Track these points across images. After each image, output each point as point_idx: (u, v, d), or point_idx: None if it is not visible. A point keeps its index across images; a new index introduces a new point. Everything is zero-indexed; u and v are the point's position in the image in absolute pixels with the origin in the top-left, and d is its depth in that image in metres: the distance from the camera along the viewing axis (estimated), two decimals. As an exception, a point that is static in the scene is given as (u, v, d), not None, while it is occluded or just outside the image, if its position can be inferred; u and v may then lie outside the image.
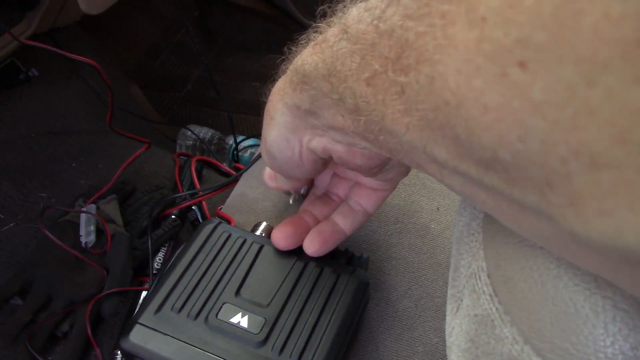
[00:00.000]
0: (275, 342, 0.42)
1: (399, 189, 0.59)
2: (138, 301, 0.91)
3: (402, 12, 0.22)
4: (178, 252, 0.49)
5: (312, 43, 0.33)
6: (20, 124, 1.03)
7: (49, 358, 0.85)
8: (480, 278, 0.24)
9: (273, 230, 0.50)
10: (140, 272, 0.91)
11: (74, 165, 1.08)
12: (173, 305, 0.45)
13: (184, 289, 0.45)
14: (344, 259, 0.49)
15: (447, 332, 0.30)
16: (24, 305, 0.86)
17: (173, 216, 1.00)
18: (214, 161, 1.11)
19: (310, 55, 0.32)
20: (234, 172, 1.15)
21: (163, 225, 0.98)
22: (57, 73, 1.10)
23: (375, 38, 0.24)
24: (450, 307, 0.29)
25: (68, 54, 0.72)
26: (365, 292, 0.47)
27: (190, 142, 1.31)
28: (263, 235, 0.51)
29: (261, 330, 0.42)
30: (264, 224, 0.52)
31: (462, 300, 0.26)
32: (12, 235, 0.97)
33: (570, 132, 0.16)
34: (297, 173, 0.41)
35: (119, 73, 1.33)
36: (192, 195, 1.00)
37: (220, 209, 0.64)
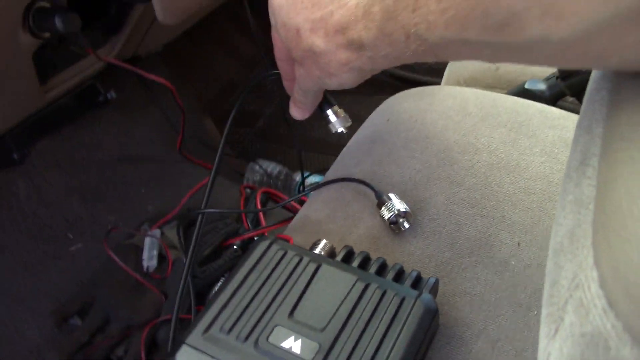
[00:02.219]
0: (329, 372, 0.38)
1: (476, 220, 0.54)
2: (193, 330, 0.89)
3: None
4: (232, 270, 0.46)
5: None
6: (97, 148, 1.06)
7: (103, 381, 0.84)
8: (589, 289, 0.20)
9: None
10: (198, 300, 0.89)
11: (143, 190, 1.09)
12: (222, 326, 0.41)
13: (235, 309, 0.42)
14: (410, 282, 0.44)
15: None
16: (83, 326, 0.85)
17: (235, 246, 0.98)
18: (279, 193, 1.09)
19: None
20: (299, 207, 1.13)
21: (224, 255, 0.97)
22: (135, 99, 1.13)
23: None
24: (546, 330, 0.24)
25: (145, 74, 0.73)
26: (433, 319, 0.42)
27: (258, 178, 1.30)
28: (322, 254, 0.47)
29: (314, 357, 0.38)
30: (323, 241, 0.48)
31: (562, 320, 0.22)
32: (78, 255, 0.98)
33: None
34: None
35: (195, 105, 1.36)
36: (256, 227, 0.98)
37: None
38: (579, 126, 0.29)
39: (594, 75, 0.31)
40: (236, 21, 1.62)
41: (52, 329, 0.85)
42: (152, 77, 0.74)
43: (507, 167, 0.59)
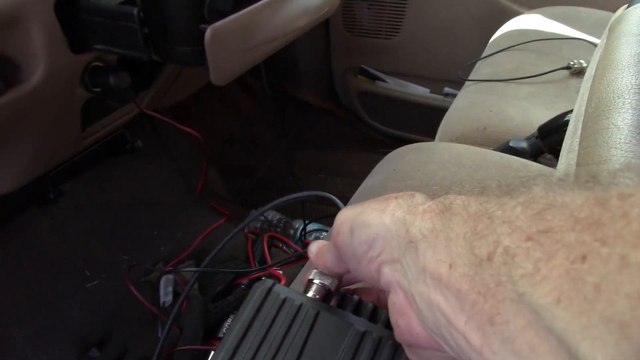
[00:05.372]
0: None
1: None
2: (207, 361, 0.95)
3: None
4: (235, 317, 0.48)
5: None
6: (115, 192, 1.14)
7: (120, 410, 0.89)
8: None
9: None
10: (210, 335, 0.96)
11: (155, 233, 1.17)
12: (232, 378, 0.43)
13: (243, 359, 0.43)
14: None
15: None
16: (101, 357, 0.91)
17: (243, 285, 1.06)
18: (284, 238, 1.18)
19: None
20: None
21: (234, 292, 1.04)
22: (152, 151, 1.22)
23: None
24: None
25: (179, 125, 0.82)
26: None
27: (259, 225, 1.38)
28: (317, 297, 0.47)
29: (321, 404, 0.40)
30: (315, 284, 0.47)
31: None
32: (95, 292, 1.04)
33: None
34: (353, 268, 0.36)
35: (205, 153, 1.46)
36: (263, 267, 1.06)
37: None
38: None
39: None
40: (238, 80, 1.74)
41: None
42: (182, 127, 0.84)
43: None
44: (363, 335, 0.45)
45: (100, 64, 0.76)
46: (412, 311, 0.30)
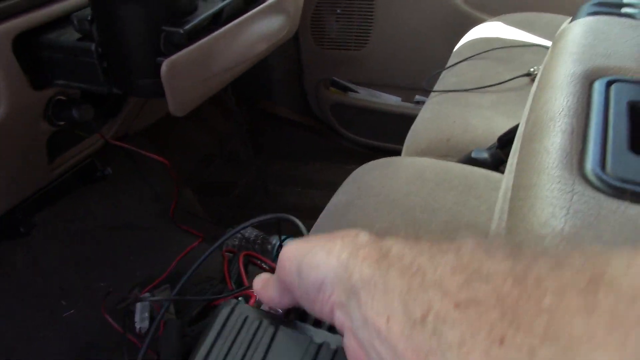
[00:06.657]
0: None
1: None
2: (186, 386, 0.95)
3: None
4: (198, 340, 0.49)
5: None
6: (90, 219, 1.14)
7: None
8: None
9: None
10: (189, 359, 0.96)
11: (131, 258, 1.17)
12: (197, 396, 0.44)
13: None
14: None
15: None
16: (80, 386, 0.91)
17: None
18: (260, 256, 1.19)
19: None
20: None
21: (211, 315, 1.04)
22: (125, 176, 1.23)
23: None
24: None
25: (146, 153, 0.83)
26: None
27: (237, 242, 1.39)
28: (279, 312, 0.45)
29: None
30: None
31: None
32: (71, 321, 1.04)
33: None
34: (308, 308, 0.35)
35: (175, 177, 1.46)
36: (239, 287, 1.07)
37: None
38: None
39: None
40: (211, 99, 1.75)
41: (51, 391, 0.91)
42: (149, 154, 0.85)
43: (460, 224, 0.71)
44: (320, 347, 0.43)
45: (63, 98, 0.77)
46: (365, 355, 0.30)
